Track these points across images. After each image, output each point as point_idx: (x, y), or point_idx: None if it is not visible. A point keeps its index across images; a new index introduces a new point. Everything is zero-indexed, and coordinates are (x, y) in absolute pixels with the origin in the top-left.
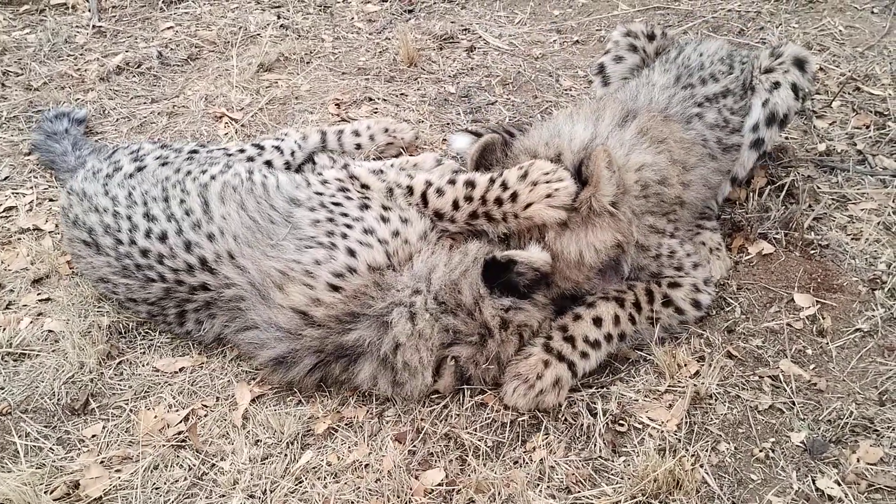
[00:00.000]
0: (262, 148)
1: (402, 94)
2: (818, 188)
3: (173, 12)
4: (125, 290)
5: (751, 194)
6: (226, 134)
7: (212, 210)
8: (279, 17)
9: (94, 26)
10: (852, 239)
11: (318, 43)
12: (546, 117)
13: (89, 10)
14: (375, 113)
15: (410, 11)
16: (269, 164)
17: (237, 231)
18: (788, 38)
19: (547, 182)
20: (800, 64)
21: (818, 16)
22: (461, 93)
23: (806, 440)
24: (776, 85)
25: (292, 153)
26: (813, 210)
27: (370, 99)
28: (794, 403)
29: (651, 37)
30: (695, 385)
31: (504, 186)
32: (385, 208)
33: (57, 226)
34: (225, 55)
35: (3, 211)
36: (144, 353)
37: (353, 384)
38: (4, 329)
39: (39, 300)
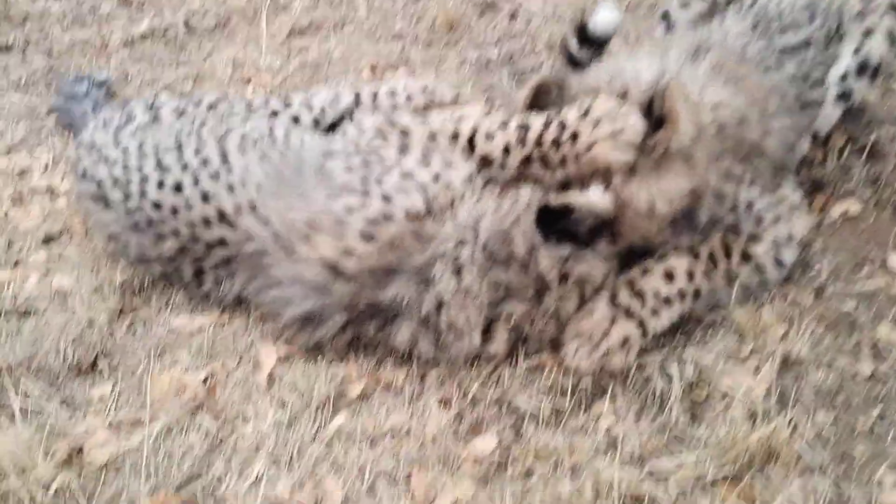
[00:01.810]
0: (288, 103)
1: (440, 59)
2: None
3: None
4: (136, 247)
5: (829, 153)
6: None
7: (231, 161)
8: None
9: None
10: None
11: (352, 11)
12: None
13: None
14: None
15: None
16: (296, 119)
17: (260, 181)
18: None
19: (612, 119)
20: None
21: None
22: (504, 58)
23: None
24: (869, 31)
25: (322, 110)
26: None
27: (407, 63)
28: None
29: None
30: (783, 349)
31: (562, 126)
32: (426, 152)
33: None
34: (254, 23)
35: (18, 172)
36: (160, 310)
37: (391, 345)
38: (9, 286)
39: (49, 258)
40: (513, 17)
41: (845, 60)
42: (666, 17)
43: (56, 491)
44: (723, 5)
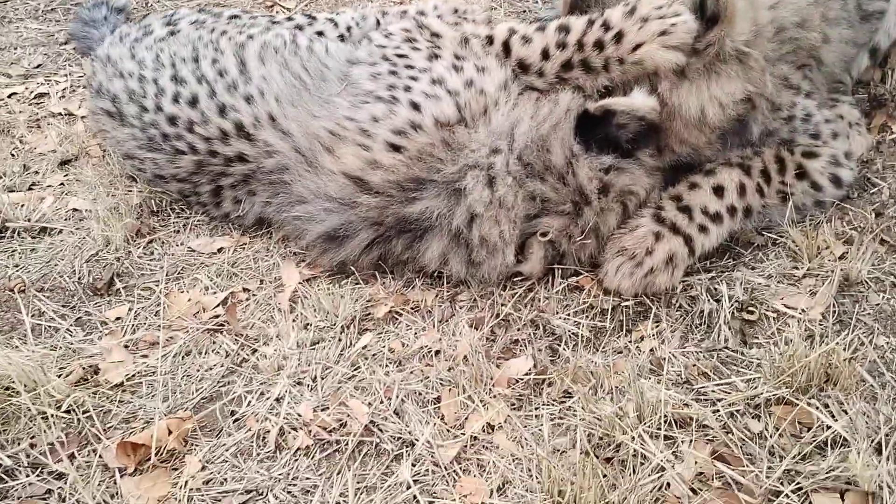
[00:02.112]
0: (313, 18)
1: None
2: None
3: None
4: (152, 165)
5: (888, 72)
6: None
7: (250, 70)
8: None
9: None
10: None
11: None
12: None
13: None
14: None
15: None
16: (320, 34)
17: (280, 91)
18: None
19: (660, 17)
20: None
21: None
22: None
23: None
24: None
25: (348, 28)
26: None
27: None
28: None
29: None
30: (842, 269)
31: (606, 27)
32: (458, 57)
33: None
34: None
35: (35, 97)
36: (178, 231)
37: (419, 264)
38: (24, 206)
39: (65, 180)
40: None
41: None
42: None
43: (69, 409)
44: None
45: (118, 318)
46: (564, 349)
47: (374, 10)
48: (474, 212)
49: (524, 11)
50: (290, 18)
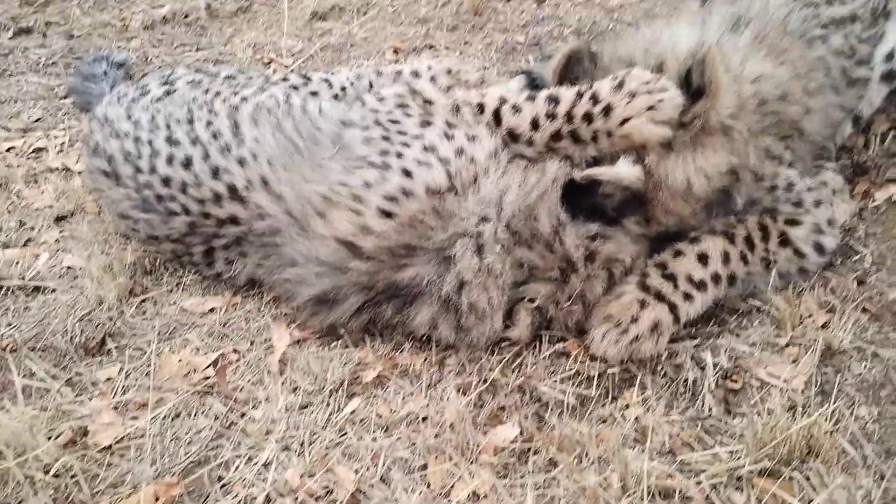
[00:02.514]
0: (308, 79)
1: (465, 42)
2: None
3: None
4: (146, 225)
5: (872, 138)
6: None
7: (243, 132)
8: None
9: None
10: None
11: None
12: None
13: None
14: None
15: None
16: (314, 94)
17: (273, 154)
18: None
19: (648, 92)
20: None
21: None
22: (531, 41)
23: None
24: None
25: (343, 88)
26: None
27: (431, 47)
28: None
29: None
30: (825, 338)
31: (594, 100)
32: (450, 125)
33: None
34: (276, 7)
35: (33, 151)
36: (171, 291)
37: (409, 329)
38: (19, 263)
39: (61, 237)
40: (540, 1)
41: (892, 37)
42: None
43: (57, 474)
44: None
45: (109, 379)
46: (551, 416)
47: (369, 70)
48: (463, 279)
49: (516, 72)
50: (285, 79)
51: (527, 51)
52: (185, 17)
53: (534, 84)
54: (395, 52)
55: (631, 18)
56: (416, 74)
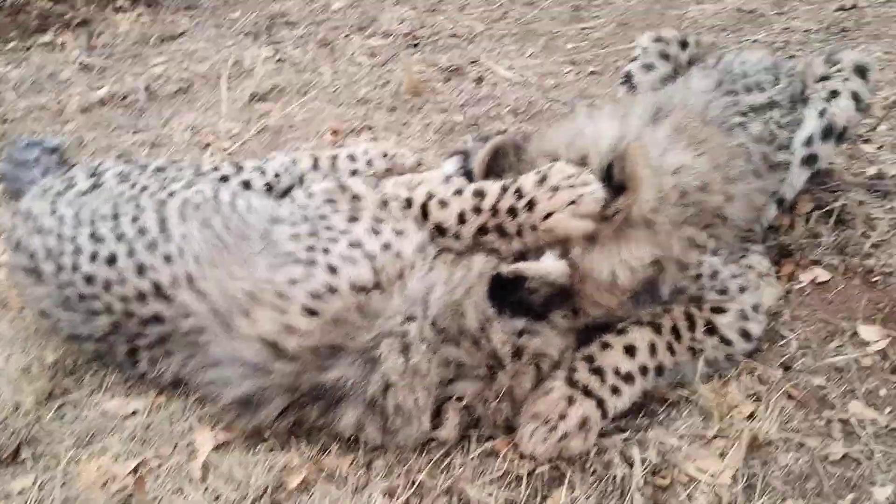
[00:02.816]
0: (240, 168)
1: (404, 123)
2: (872, 213)
3: (166, 49)
4: (68, 324)
5: (797, 219)
6: (211, 163)
7: (170, 228)
8: (276, 53)
9: (81, 63)
10: None
11: (316, 76)
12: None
13: (78, 48)
14: (375, 141)
15: (416, 45)
16: (246, 184)
17: (199, 250)
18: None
19: (570, 187)
20: (861, 71)
21: (852, 43)
22: (468, 122)
23: (893, 497)
24: (834, 93)
25: (276, 175)
26: (869, 236)
27: (370, 128)
28: (872, 452)
29: (684, 44)
30: (751, 429)
31: (519, 194)
32: (377, 220)
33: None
34: (216, 88)
35: None
36: (93, 392)
37: (335, 430)
38: None
39: None
40: (479, 81)
41: (810, 123)
42: (628, 78)
43: None
44: (685, 68)
45: (21, 492)
46: None
47: (305, 155)
48: (389, 380)
49: (453, 152)
50: (216, 168)
51: (465, 131)
52: (124, 98)
53: (469, 165)
54: (334, 133)
55: (566, 99)
56: (352, 158)
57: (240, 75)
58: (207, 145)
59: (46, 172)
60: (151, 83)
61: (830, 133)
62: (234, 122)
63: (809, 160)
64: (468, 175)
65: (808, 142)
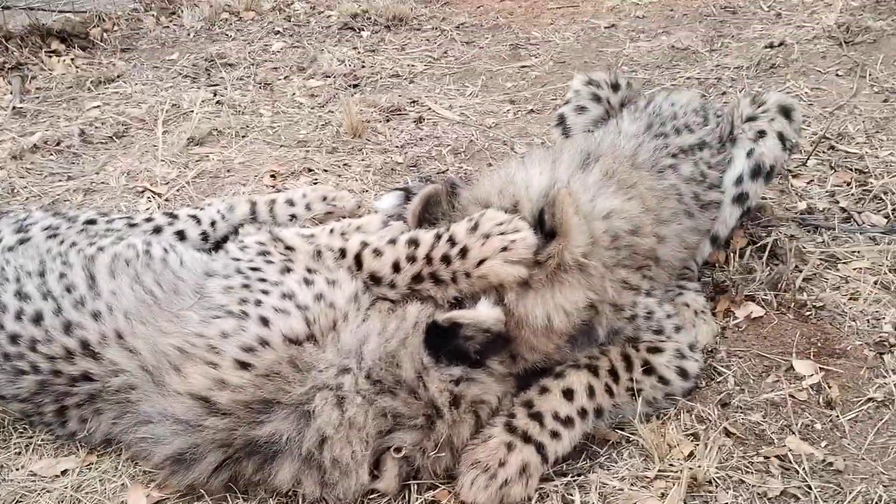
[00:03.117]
0: (175, 217)
1: (344, 164)
2: (804, 247)
3: (102, 92)
4: None
5: (731, 255)
6: (147, 209)
7: (99, 285)
8: (215, 95)
9: (14, 107)
10: (850, 299)
11: (256, 118)
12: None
13: (11, 93)
14: (315, 184)
15: (356, 86)
16: (181, 234)
17: (129, 307)
18: (742, 95)
19: (501, 234)
20: (786, 112)
21: (781, 79)
22: (409, 162)
23: None
24: (761, 133)
25: (212, 223)
26: (801, 270)
27: (310, 170)
28: (810, 488)
29: (615, 87)
30: (690, 469)
31: (452, 242)
32: (310, 271)
33: None
34: (153, 132)
35: None
36: (20, 453)
37: (272, 486)
38: None
39: None
40: (419, 121)
41: (739, 163)
42: (562, 120)
43: None
44: (617, 109)
45: None
46: None
47: (243, 200)
48: (325, 434)
49: (394, 188)
50: (149, 219)
51: (405, 172)
52: (57, 144)
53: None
54: (273, 176)
55: (506, 137)
56: (290, 203)
57: (178, 118)
58: (144, 191)
59: None
60: (86, 128)
61: (759, 172)
62: (170, 167)
63: (740, 199)
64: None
65: (739, 181)
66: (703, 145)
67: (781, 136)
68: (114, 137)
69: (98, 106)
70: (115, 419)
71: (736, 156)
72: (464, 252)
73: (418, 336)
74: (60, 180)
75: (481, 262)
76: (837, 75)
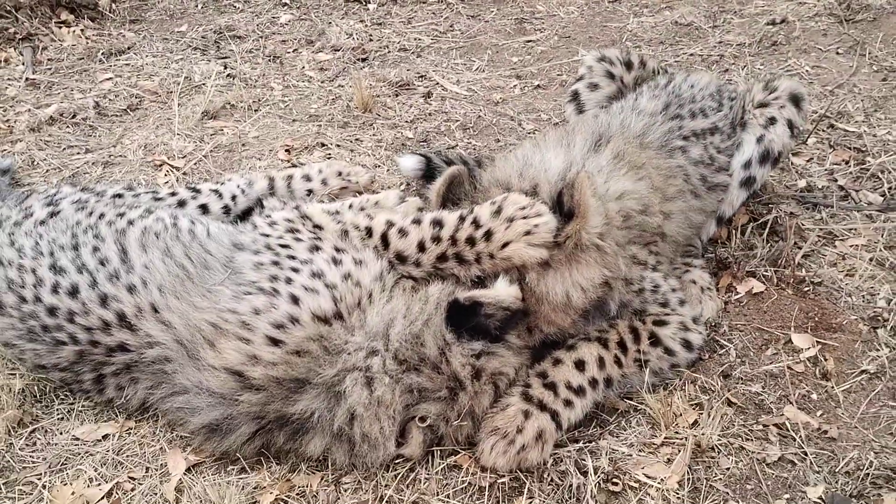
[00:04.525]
0: (197, 191)
1: (356, 139)
2: (803, 225)
3: (113, 63)
4: (32, 355)
5: (733, 232)
6: (166, 182)
7: (131, 258)
8: (226, 68)
9: (27, 79)
10: (846, 276)
11: (267, 91)
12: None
13: (23, 63)
14: (328, 158)
15: (364, 60)
16: (204, 208)
17: (163, 281)
18: (755, 79)
19: (524, 217)
20: (796, 100)
21: (783, 57)
22: (419, 137)
23: (825, 495)
24: (772, 121)
25: (233, 198)
26: (800, 247)
27: (322, 145)
28: (805, 454)
29: (628, 65)
30: (695, 436)
31: (476, 224)
32: (338, 250)
33: None
34: (167, 105)
35: None
36: (63, 419)
37: (302, 454)
38: None
39: None
40: (427, 96)
41: (749, 147)
42: (575, 96)
43: None
44: (629, 87)
45: None
46: None
47: (260, 175)
48: (355, 412)
49: (416, 152)
50: (173, 193)
51: (416, 146)
52: (73, 116)
53: (430, 167)
54: (287, 151)
55: (513, 112)
56: (307, 178)
57: (190, 91)
58: (161, 164)
59: None
60: (100, 100)
61: (767, 158)
62: (186, 141)
63: (747, 182)
64: (428, 177)
65: (747, 165)
66: (715, 130)
67: (790, 124)
68: (128, 110)
69: (110, 78)
70: (151, 388)
71: (746, 140)
72: (488, 235)
73: (440, 315)
74: (79, 153)
75: (505, 244)
76: (838, 53)
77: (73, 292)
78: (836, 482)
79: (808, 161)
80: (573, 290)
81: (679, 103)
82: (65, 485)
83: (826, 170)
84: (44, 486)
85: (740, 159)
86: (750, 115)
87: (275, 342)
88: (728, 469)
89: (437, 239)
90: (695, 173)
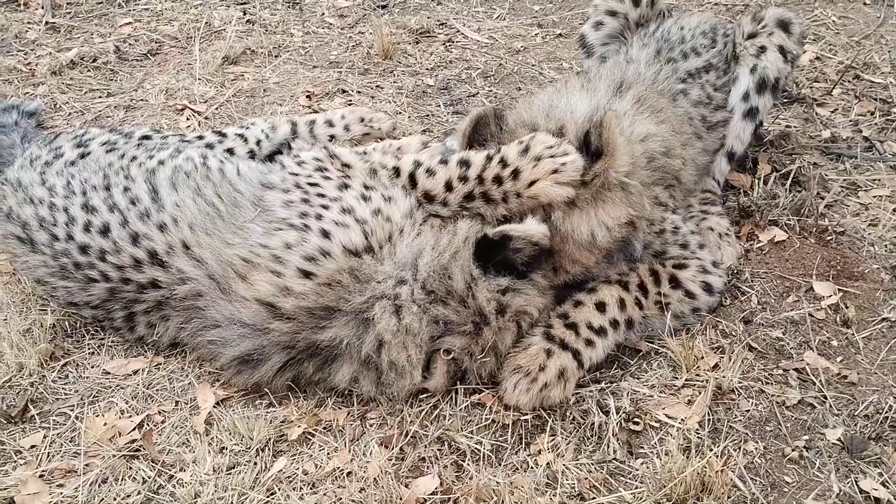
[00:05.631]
0: (223, 135)
1: (377, 86)
2: (826, 175)
3: (132, 8)
4: (64, 292)
5: (756, 181)
6: (188, 127)
7: (162, 198)
8: (245, 13)
9: (46, 22)
10: (869, 225)
11: (287, 37)
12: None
13: (42, 7)
14: (350, 105)
15: (384, 7)
16: (230, 152)
17: (193, 219)
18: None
19: (552, 156)
20: (784, 25)
21: (809, 7)
22: (440, 85)
23: (843, 437)
24: (762, 49)
25: (258, 142)
26: (823, 197)
27: (343, 91)
28: (825, 398)
29: (636, 1)
30: (715, 378)
31: (503, 163)
32: (367, 187)
33: None
34: (187, 50)
35: None
36: (93, 353)
37: (330, 384)
38: None
39: None
40: (448, 44)
41: (744, 80)
42: (583, 40)
43: None
44: (633, 25)
45: (33, 447)
46: (469, 465)
47: (283, 120)
48: (383, 339)
49: (427, 116)
50: (200, 136)
51: (437, 94)
52: (94, 60)
53: None
54: (308, 97)
55: (534, 61)
56: (329, 124)
57: (209, 36)
58: (183, 109)
59: (25, 136)
60: (120, 44)
61: (765, 86)
62: (208, 86)
63: (750, 113)
64: None
65: (746, 97)
66: (710, 67)
67: (782, 49)
68: (148, 55)
69: (130, 23)
70: (182, 324)
71: (740, 73)
72: (516, 173)
73: (468, 250)
74: (101, 97)
75: (532, 182)
76: (865, 4)
77: (105, 231)
78: (855, 425)
79: (832, 112)
80: (598, 229)
81: (669, 47)
82: (97, 416)
83: (851, 121)
84: (76, 418)
85: (738, 92)
86: (741, 47)
87: (306, 274)
88: (748, 411)
89: (464, 178)
90: (696, 114)
